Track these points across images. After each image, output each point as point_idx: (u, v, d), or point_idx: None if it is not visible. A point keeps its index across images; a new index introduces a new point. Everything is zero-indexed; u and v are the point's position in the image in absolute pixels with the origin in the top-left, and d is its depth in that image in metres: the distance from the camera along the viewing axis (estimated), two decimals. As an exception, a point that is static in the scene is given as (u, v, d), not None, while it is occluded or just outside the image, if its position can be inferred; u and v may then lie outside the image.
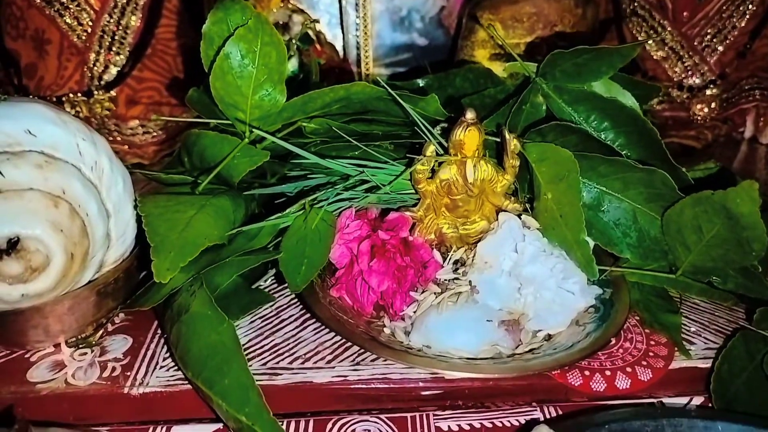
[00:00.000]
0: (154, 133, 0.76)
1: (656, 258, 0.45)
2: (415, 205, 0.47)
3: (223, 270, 0.42)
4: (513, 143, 0.44)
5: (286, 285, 0.50)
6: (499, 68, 0.60)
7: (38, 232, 0.36)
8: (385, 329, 0.45)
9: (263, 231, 0.45)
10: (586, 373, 0.42)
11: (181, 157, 0.54)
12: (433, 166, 0.46)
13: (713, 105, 0.81)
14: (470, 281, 0.45)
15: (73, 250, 0.38)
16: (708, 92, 0.81)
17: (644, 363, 0.43)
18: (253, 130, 0.47)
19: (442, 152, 0.46)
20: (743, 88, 0.82)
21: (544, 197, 0.44)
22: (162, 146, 0.76)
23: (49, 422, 0.36)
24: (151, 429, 0.39)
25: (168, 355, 0.42)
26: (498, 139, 0.47)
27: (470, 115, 0.43)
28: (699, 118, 0.82)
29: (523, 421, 0.39)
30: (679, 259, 0.44)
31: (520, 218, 0.46)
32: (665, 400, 0.42)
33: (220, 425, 0.38)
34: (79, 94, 0.72)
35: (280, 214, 0.46)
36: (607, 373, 0.42)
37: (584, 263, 0.43)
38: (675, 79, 0.80)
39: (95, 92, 0.72)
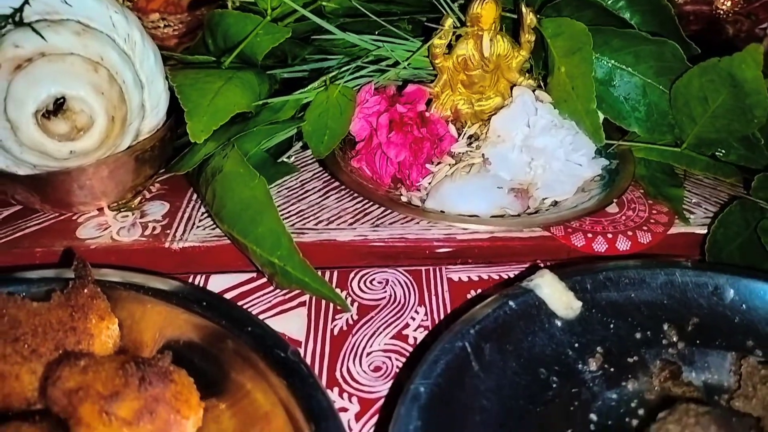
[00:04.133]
0: (175, 27, 0.77)
1: (663, 132, 0.47)
2: (432, 82, 0.49)
3: (251, 138, 0.45)
4: (529, 17, 0.46)
5: (309, 161, 0.53)
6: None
7: (82, 93, 0.39)
8: (402, 198, 0.48)
9: (287, 105, 0.48)
10: (589, 235, 0.45)
11: (205, 39, 0.56)
12: (450, 41, 0.47)
13: (737, -2, 0.80)
14: (483, 154, 0.48)
15: (113, 113, 0.40)
16: (733, -16, 0.79)
17: (645, 228, 0.46)
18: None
19: (459, 26, 0.47)
20: (769, -21, 0.80)
21: (557, 71, 0.46)
22: (183, 39, 0.77)
23: (101, 265, 0.40)
24: (191, 278, 0.43)
25: (203, 217, 0.46)
26: (515, 16, 0.48)
27: (487, -13, 0.44)
28: (722, 12, 0.81)
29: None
30: (685, 132, 0.46)
31: (534, 93, 0.48)
32: (662, 262, 0.45)
33: (253, 274, 0.42)
34: (100, -15, 0.72)
35: (302, 90, 0.48)
36: (609, 235, 0.45)
37: (592, 131, 0.45)
38: (700, -29, 0.78)
39: (116, -17, 0.73)
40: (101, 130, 0.40)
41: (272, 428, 0.31)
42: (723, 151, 0.47)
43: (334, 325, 0.39)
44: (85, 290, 0.35)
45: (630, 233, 0.45)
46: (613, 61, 0.46)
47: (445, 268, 0.43)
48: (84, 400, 0.28)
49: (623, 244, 0.44)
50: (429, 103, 0.49)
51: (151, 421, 0.28)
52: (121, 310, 0.36)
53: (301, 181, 0.51)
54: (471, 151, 0.48)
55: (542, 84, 0.49)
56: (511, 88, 0.49)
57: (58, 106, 0.39)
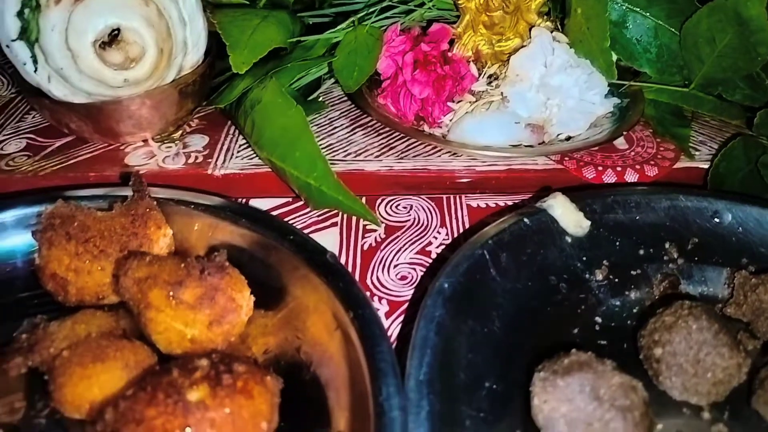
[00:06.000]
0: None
1: (673, 73, 0.50)
2: (455, 23, 0.52)
3: (286, 73, 0.48)
4: (548, -40, 0.48)
5: (336, 101, 0.56)
6: None
7: (135, 24, 0.42)
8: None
9: (318, 43, 0.51)
10: (600, 168, 0.48)
11: (238, -17, 0.58)
12: (474, -17, 0.50)
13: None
14: (502, 92, 0.51)
15: (162, 46, 0.44)
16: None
17: (652, 162, 0.49)
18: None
19: (482, -31, 0.50)
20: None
21: (574, 13, 0.49)
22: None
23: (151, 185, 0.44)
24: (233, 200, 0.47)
25: (241, 149, 0.50)
26: (534, -40, 0.50)
27: (510, -70, 0.47)
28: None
29: (541, 202, 0.47)
30: (693, 72, 0.49)
31: (551, 34, 0.51)
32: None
33: (289, 198, 0.46)
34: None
35: (332, 30, 0.51)
36: (618, 169, 0.48)
37: (605, 68, 0.48)
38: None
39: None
40: (152, 60, 0.43)
41: (315, 321, 0.35)
42: (729, 91, 0.49)
43: (364, 242, 0.43)
44: (143, 202, 0.39)
45: (638, 167, 0.48)
46: (626, 4, 0.49)
47: (465, 196, 0.47)
48: (153, 287, 0.33)
49: (631, 177, 0.48)
50: (452, 43, 0.52)
51: (211, 306, 0.33)
52: (173, 224, 0.40)
53: (329, 119, 0.54)
54: (491, 90, 0.51)
55: (559, 27, 0.52)
56: (530, 30, 0.52)
57: (113, 38, 0.43)
